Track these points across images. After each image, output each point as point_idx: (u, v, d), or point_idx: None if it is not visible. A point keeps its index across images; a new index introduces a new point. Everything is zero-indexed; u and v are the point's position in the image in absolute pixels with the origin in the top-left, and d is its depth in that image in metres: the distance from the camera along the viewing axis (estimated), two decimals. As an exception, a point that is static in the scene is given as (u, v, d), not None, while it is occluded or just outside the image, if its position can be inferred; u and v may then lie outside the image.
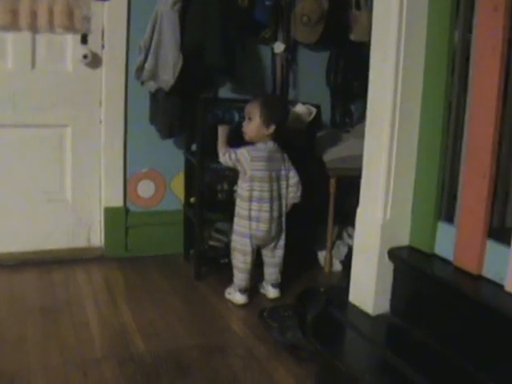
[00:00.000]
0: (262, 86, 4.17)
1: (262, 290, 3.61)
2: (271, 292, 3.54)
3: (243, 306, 3.44)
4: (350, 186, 4.06)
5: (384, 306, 2.82)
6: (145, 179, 4.07)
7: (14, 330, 3.03)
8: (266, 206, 3.37)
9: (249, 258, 3.41)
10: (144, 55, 3.67)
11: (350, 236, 4.10)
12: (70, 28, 3.77)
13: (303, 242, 4.01)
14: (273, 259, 3.52)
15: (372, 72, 2.79)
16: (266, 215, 3.37)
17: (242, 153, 3.37)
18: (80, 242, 4.03)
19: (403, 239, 2.80)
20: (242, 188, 3.40)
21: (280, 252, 3.52)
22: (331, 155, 3.94)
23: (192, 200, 3.94)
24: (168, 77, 3.61)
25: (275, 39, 4.12)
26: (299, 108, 3.73)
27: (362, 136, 4.01)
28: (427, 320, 2.63)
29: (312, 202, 3.93)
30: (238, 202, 3.44)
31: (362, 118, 4.39)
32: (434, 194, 2.66)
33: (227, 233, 3.78)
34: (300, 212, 3.73)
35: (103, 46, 3.87)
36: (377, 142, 2.77)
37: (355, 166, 3.84)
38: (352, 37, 4.24)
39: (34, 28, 3.71)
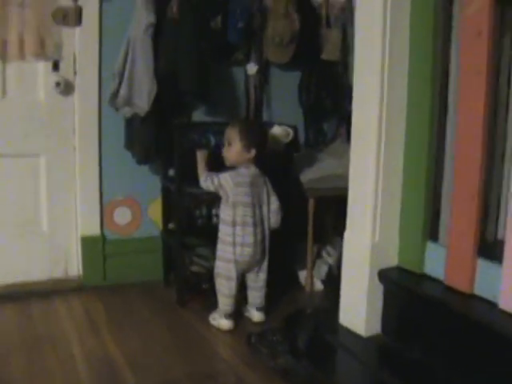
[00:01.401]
0: (235, 108, 4.14)
1: (246, 314, 3.57)
2: (256, 316, 3.51)
3: (229, 331, 3.40)
4: (327, 205, 4.11)
5: (375, 327, 2.83)
6: (121, 206, 4.01)
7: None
8: (250, 231, 3.35)
9: (234, 284, 3.38)
10: (118, 82, 3.62)
11: (330, 255, 4.11)
12: (41, 55, 3.70)
13: (283, 262, 3.98)
14: (257, 283, 3.50)
15: (356, 93, 2.80)
16: (250, 240, 3.35)
17: (226, 178, 3.36)
18: (58, 273, 3.95)
19: (392, 260, 2.81)
20: (224, 213, 3.38)
21: (263, 275, 3.49)
22: (308, 175, 3.94)
23: (171, 226, 3.91)
24: (143, 103, 3.57)
25: (248, 60, 4.10)
26: (276, 129, 3.72)
27: (337, 155, 4.07)
28: (420, 340, 2.64)
29: (291, 222, 3.93)
30: (222, 227, 3.41)
31: (334, 136, 4.42)
32: (421, 214, 2.68)
33: (208, 258, 3.75)
34: (279, 232, 3.72)
35: (75, 73, 3.82)
36: (362, 165, 2.78)
37: (332, 185, 3.88)
38: (324, 55, 4.25)
39: (4, 57, 3.64)
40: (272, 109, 4.26)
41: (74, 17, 3.74)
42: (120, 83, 3.63)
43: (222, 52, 4.02)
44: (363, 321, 2.80)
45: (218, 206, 3.56)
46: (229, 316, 3.41)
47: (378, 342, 2.81)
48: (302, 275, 4.05)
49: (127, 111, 3.69)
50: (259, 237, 3.41)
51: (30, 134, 3.77)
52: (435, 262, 2.62)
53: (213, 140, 3.71)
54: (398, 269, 2.77)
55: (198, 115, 4.06)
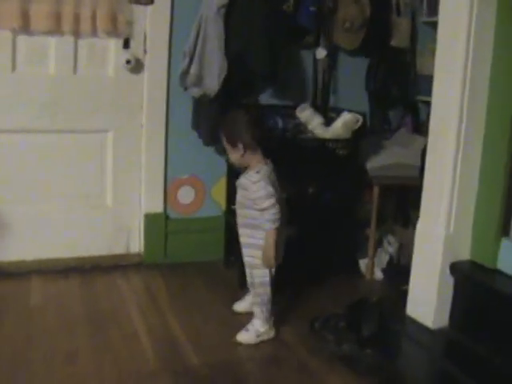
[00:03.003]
0: (302, 92, 4.13)
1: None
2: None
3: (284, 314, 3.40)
4: (389, 193, 4.08)
5: (443, 320, 2.81)
6: (185, 185, 4.03)
7: (64, 342, 3.00)
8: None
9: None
10: (188, 61, 3.64)
11: (390, 244, 4.08)
12: (112, 33, 3.74)
13: (344, 249, 3.96)
14: None
15: (437, 85, 2.77)
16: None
17: (270, 191, 3.01)
18: (119, 249, 4.00)
19: (464, 253, 2.78)
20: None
21: None
22: (373, 163, 3.92)
23: (234, 207, 3.91)
24: (213, 83, 3.57)
25: (317, 45, 4.07)
26: (346, 116, 3.69)
27: (402, 144, 4.04)
28: (488, 335, 2.61)
29: (354, 209, 3.92)
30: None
31: (399, 125, 4.39)
32: (497, 209, 2.65)
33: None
34: (342, 220, 3.71)
35: (145, 51, 3.84)
36: (441, 158, 2.75)
37: (396, 174, 3.85)
38: (393, 43, 4.22)
39: (76, 33, 3.68)
40: (338, 94, 4.23)
41: (146, -5, 3.77)
42: (190, 63, 3.64)
43: (292, 35, 3.99)
44: (432, 313, 2.78)
45: (283, 189, 3.56)
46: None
47: (445, 335, 2.79)
48: (363, 263, 4.03)
49: (196, 91, 3.69)
50: None
51: (99, 110, 3.81)
52: (509, 258, 2.59)
53: (280, 123, 3.70)
54: (471, 263, 2.74)
55: (265, 98, 4.05)
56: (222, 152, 3.93)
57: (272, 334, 3.17)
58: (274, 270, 3.13)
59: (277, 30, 3.75)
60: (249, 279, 3.22)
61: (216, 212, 4.11)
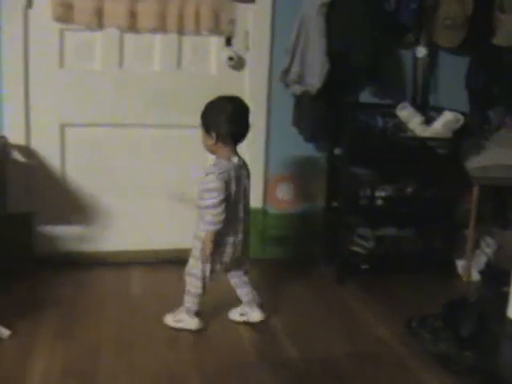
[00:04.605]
0: (402, 91, 4.12)
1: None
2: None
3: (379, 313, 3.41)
4: (488, 195, 4.02)
5: (546, 323, 2.76)
6: (285, 181, 4.08)
7: (165, 329, 3.11)
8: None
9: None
10: (290, 58, 3.70)
11: (489, 246, 4.02)
12: (215, 30, 3.83)
13: (441, 249, 3.94)
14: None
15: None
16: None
17: (216, 190, 2.94)
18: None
19: None
20: None
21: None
22: (473, 163, 3.87)
23: (333, 204, 3.93)
24: (315, 80, 3.61)
25: (417, 43, 4.05)
26: (447, 115, 3.67)
27: (503, 145, 3.97)
28: None
29: (452, 209, 3.88)
30: None
31: (499, 125, 4.30)
32: None
33: (368, 238, 3.77)
34: (440, 220, 3.69)
35: (247, 49, 3.90)
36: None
37: (498, 175, 3.79)
38: (495, 41, 4.14)
39: (180, 31, 3.79)
40: (438, 93, 4.19)
41: (248, -7, 3.83)
42: (292, 61, 3.70)
43: (392, 33, 3.99)
44: (534, 315, 2.75)
45: (382, 188, 3.57)
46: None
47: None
48: (460, 264, 3.99)
49: (297, 89, 3.74)
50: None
51: (201, 106, 3.86)
52: None
53: (380, 121, 3.71)
54: None
55: (365, 96, 4.06)
56: (323, 149, 3.98)
57: (192, 325, 3.12)
58: (208, 269, 3.07)
59: (378, 28, 3.77)
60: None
61: (315, 209, 4.14)
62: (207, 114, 3.06)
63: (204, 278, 3.09)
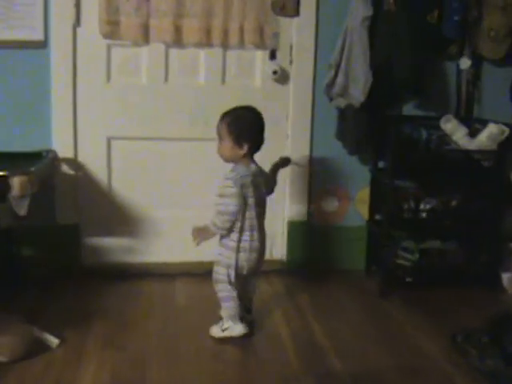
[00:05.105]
0: (446, 103, 4.10)
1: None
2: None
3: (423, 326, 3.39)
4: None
5: None
6: (329, 194, 4.10)
7: (211, 341, 3.15)
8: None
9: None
10: (334, 72, 3.71)
11: (535, 258, 3.99)
12: (259, 44, 3.88)
13: (487, 263, 3.91)
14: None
15: None
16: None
17: (232, 196, 3.02)
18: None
19: None
20: None
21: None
22: (520, 175, 3.85)
23: (377, 217, 3.94)
24: (358, 93, 3.63)
25: (461, 55, 4.04)
26: (491, 127, 3.65)
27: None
28: None
29: (498, 222, 3.86)
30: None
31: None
32: None
33: (413, 251, 3.76)
34: (485, 233, 3.66)
35: (291, 62, 3.94)
36: None
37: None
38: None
39: (225, 45, 3.85)
40: (483, 105, 4.17)
41: (291, 7, 3.87)
42: (336, 74, 3.72)
43: (435, 46, 3.99)
44: None
45: (426, 201, 3.57)
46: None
47: None
48: (506, 277, 3.95)
49: (341, 102, 3.76)
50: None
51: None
52: None
53: (424, 134, 3.70)
54: None
55: (409, 109, 4.06)
56: (367, 162, 3.99)
57: (237, 331, 3.15)
58: (232, 273, 3.10)
59: (421, 42, 3.77)
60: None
61: (359, 222, 4.14)
62: (239, 125, 3.09)
63: (230, 282, 3.12)
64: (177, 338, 3.15)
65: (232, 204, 3.01)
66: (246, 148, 3.06)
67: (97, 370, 2.78)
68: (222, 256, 3.15)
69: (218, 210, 3.05)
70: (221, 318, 3.20)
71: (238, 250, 3.10)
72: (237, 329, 3.16)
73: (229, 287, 3.13)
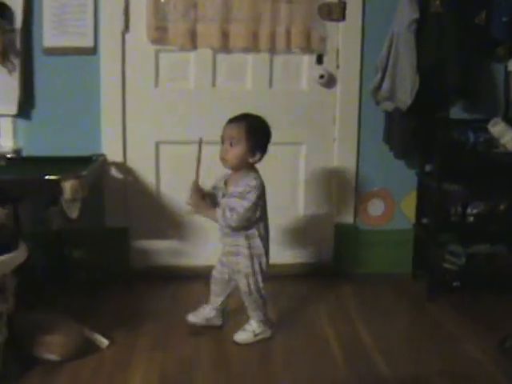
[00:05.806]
0: (494, 106, 4.06)
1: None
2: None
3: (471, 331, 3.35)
4: None
5: None
6: (376, 198, 4.10)
7: (260, 343, 3.17)
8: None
9: None
10: (381, 75, 3.71)
11: None
12: (306, 49, 3.90)
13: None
14: None
15: None
16: None
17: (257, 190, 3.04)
18: (310, 258, 4.13)
19: None
20: None
21: None
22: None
23: (424, 220, 3.92)
24: (405, 97, 3.62)
25: (509, 57, 4.00)
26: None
27: None
28: None
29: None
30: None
31: None
32: None
33: (460, 255, 3.74)
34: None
35: (338, 66, 3.95)
36: None
37: None
38: None
39: (272, 50, 3.88)
40: (531, 108, 4.13)
41: (338, 11, 3.88)
42: (383, 77, 3.71)
43: (483, 47, 3.95)
44: None
45: (474, 205, 3.55)
46: None
47: None
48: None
49: (388, 105, 3.76)
50: None
51: (294, 123, 3.95)
52: None
53: (472, 137, 3.68)
54: None
55: (456, 112, 4.02)
56: (414, 165, 3.98)
57: (269, 333, 3.19)
58: (260, 280, 3.11)
59: (469, 44, 3.75)
60: (244, 288, 3.14)
61: (405, 225, 4.13)
62: (260, 133, 3.09)
63: (262, 271, 3.13)
64: (224, 341, 3.18)
65: (251, 210, 3.00)
66: (258, 157, 3.06)
67: (146, 371, 2.82)
68: (249, 266, 3.11)
69: (237, 210, 2.99)
70: (248, 322, 3.22)
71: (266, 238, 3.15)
72: (267, 332, 3.20)
73: (261, 293, 3.14)
